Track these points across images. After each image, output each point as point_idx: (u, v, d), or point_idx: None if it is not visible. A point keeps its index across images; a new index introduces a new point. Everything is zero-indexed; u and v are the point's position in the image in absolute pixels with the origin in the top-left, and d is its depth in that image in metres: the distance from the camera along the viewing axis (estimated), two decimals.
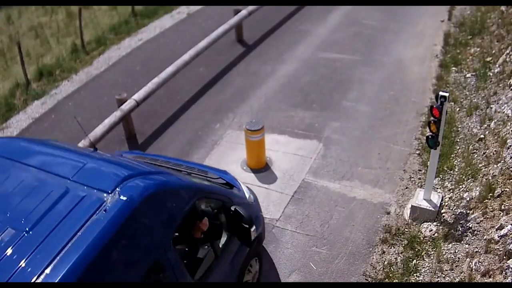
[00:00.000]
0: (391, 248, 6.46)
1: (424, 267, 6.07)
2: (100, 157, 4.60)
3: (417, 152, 8.01)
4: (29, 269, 3.39)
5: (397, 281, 5.97)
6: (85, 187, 3.93)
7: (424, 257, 6.20)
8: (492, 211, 6.00)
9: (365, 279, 6.12)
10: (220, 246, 5.22)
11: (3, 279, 3.36)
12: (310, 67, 10.56)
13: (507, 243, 5.32)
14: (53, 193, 3.91)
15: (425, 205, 6.68)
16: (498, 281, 5.15)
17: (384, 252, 6.42)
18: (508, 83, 8.10)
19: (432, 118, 6.06)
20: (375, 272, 6.18)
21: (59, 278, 3.32)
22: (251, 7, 11.73)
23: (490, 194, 6.18)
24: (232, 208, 4.97)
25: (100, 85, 10.48)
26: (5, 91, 10.48)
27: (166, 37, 12.29)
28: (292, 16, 12.84)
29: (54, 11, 14.54)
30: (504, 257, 5.27)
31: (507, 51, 8.86)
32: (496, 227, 5.66)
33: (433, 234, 6.43)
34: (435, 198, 6.78)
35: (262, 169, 7.89)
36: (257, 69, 10.66)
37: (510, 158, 6.31)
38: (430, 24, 11.89)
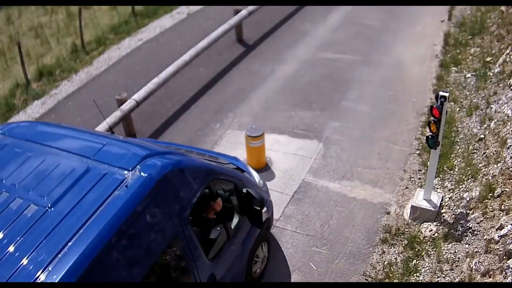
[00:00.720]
0: (391, 248, 6.46)
1: (424, 267, 6.07)
2: (118, 139, 4.73)
3: (417, 152, 8.00)
4: (52, 245, 3.48)
5: (397, 281, 5.97)
6: (106, 165, 4.08)
7: (424, 257, 6.20)
8: (492, 211, 6.00)
9: (365, 279, 6.12)
10: (232, 227, 5.35)
11: (25, 255, 3.45)
12: (310, 67, 10.56)
13: (507, 243, 5.32)
14: (75, 171, 4.04)
15: (425, 205, 6.68)
16: (498, 281, 5.15)
17: (384, 252, 6.42)
18: (508, 83, 8.10)
19: (432, 118, 6.06)
20: (375, 272, 6.18)
21: (82, 250, 3.43)
22: (251, 7, 11.73)
23: (490, 194, 6.18)
24: (244, 190, 5.15)
25: (100, 85, 10.48)
26: (5, 91, 10.49)
27: (166, 37, 12.29)
28: (292, 16, 12.84)
29: (54, 11, 14.53)
30: (504, 257, 5.27)
31: (507, 51, 8.86)
32: (496, 227, 5.66)
33: (433, 234, 6.43)
34: (435, 198, 6.78)
35: (262, 169, 7.89)
36: (257, 69, 10.66)
37: (510, 158, 6.31)
38: (430, 24, 11.89)
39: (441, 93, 5.90)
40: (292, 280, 6.17)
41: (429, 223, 6.60)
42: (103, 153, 4.25)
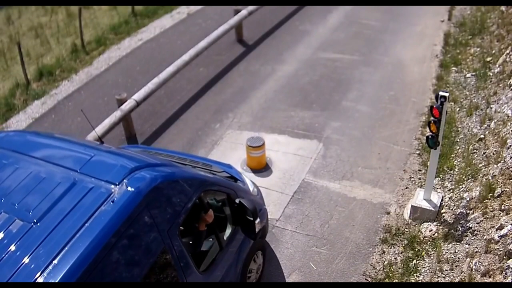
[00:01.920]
0: (391, 248, 6.46)
1: (424, 267, 6.07)
2: (107, 150, 4.64)
3: (417, 152, 8.00)
4: (37, 261, 3.43)
5: (397, 281, 5.97)
6: (93, 179, 3.99)
7: (424, 257, 6.20)
8: (492, 211, 6.00)
9: (365, 279, 6.12)
10: (225, 238, 5.26)
11: (10, 271, 3.40)
12: (310, 67, 10.56)
13: (507, 243, 5.32)
14: (61, 185, 3.97)
15: (425, 205, 6.68)
16: (498, 281, 5.14)
17: (384, 252, 6.42)
18: (508, 83, 8.10)
19: (432, 118, 6.06)
20: (375, 272, 6.18)
21: (67, 268, 3.37)
22: (251, 7, 11.73)
23: (490, 194, 6.17)
24: (237, 201, 5.02)
25: (100, 85, 10.48)
26: (5, 91, 10.49)
27: (166, 37, 12.29)
28: (292, 16, 12.83)
29: (54, 11, 14.53)
30: (504, 257, 5.26)
31: (507, 51, 8.86)
32: (496, 227, 5.65)
33: (433, 234, 6.43)
34: (435, 198, 6.78)
35: (262, 169, 7.90)
36: (257, 69, 10.66)
37: (510, 158, 6.30)
38: (430, 24, 11.89)
39: (441, 93, 5.90)
40: (292, 280, 6.17)
41: (429, 223, 6.60)
42: (90, 165, 4.17)
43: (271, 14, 12.75)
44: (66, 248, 3.49)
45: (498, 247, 5.46)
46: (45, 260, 3.43)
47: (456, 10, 12.25)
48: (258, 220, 5.00)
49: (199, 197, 4.71)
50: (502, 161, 6.46)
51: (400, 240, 6.54)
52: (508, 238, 5.36)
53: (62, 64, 11.29)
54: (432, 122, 6.06)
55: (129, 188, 3.91)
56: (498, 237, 5.50)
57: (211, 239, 5.18)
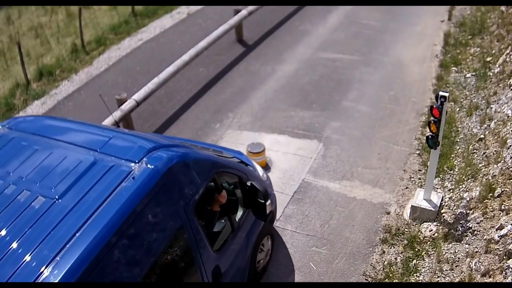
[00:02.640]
0: (391, 248, 6.46)
1: (424, 267, 6.07)
2: (124, 132, 4.80)
3: (417, 152, 8.01)
4: (60, 236, 3.52)
5: (397, 281, 5.97)
6: (113, 158, 4.13)
7: (424, 257, 6.20)
8: (492, 211, 6.00)
9: (365, 279, 6.12)
10: (236, 220, 5.41)
11: (34, 245, 3.48)
12: (310, 67, 10.56)
13: (507, 243, 5.32)
14: (81, 164, 4.09)
15: (425, 205, 6.68)
16: (498, 281, 5.15)
17: (384, 252, 6.42)
18: (508, 83, 8.10)
19: (432, 118, 6.06)
20: (375, 272, 6.18)
21: (89, 241, 3.48)
22: (251, 7, 11.72)
23: (490, 194, 6.17)
24: (248, 183, 5.16)
25: (100, 85, 10.48)
26: (5, 91, 10.49)
27: (166, 37, 12.29)
28: (292, 16, 12.83)
29: (54, 11, 14.53)
30: (504, 257, 5.27)
31: (507, 51, 8.86)
32: (496, 227, 5.66)
33: (433, 234, 6.43)
34: (435, 198, 6.78)
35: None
36: (257, 69, 10.66)
37: (510, 158, 6.30)
38: (430, 24, 11.89)
39: (441, 93, 5.90)
40: (292, 280, 6.17)
41: (429, 223, 6.60)
42: (109, 146, 4.30)
43: (271, 14, 12.75)
44: (89, 222, 3.60)
45: (498, 247, 5.46)
46: (68, 234, 3.52)
47: (456, 10, 12.25)
48: (268, 201, 5.16)
49: (213, 179, 4.87)
50: (502, 161, 6.46)
51: (400, 240, 6.54)
52: (508, 238, 5.36)
53: (62, 64, 11.29)
54: (432, 122, 6.06)
55: (148, 166, 4.05)
56: (498, 237, 5.50)
57: (223, 221, 5.30)
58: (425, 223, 6.63)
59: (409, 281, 5.95)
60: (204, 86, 10.22)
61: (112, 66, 11.19)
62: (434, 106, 5.95)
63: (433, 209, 6.63)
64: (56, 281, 3.27)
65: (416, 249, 6.34)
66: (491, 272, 5.32)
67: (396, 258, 6.30)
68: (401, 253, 6.37)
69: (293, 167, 7.91)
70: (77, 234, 3.52)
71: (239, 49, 11.47)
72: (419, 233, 6.52)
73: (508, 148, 6.52)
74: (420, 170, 7.64)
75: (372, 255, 6.41)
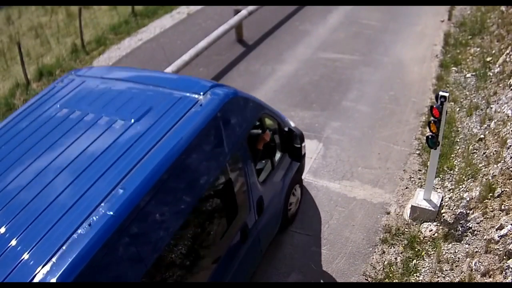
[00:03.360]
0: (391, 248, 6.46)
1: (424, 267, 6.07)
2: (185, 76, 5.73)
3: (417, 152, 8.00)
4: (140, 149, 4.10)
5: (397, 281, 5.97)
6: (181, 92, 4.83)
7: (424, 257, 6.20)
8: (492, 211, 6.00)
9: (365, 279, 6.12)
10: (276, 161, 6.06)
11: (114, 157, 4.02)
12: (310, 67, 10.56)
13: (507, 243, 5.32)
14: (152, 96, 4.75)
15: (425, 205, 6.68)
16: (498, 281, 5.14)
17: (384, 252, 6.42)
18: (508, 83, 8.10)
19: (432, 118, 6.06)
20: (375, 272, 6.18)
21: (170, 148, 4.13)
22: (251, 7, 11.73)
23: (490, 194, 6.17)
24: (286, 129, 5.90)
25: None
26: (5, 91, 10.48)
27: (166, 37, 12.29)
28: (292, 16, 12.84)
29: (54, 11, 14.54)
30: (504, 257, 5.26)
31: (507, 51, 8.86)
32: (496, 227, 5.65)
33: (433, 234, 6.43)
34: (435, 198, 6.78)
35: None
36: (257, 69, 10.66)
37: (510, 158, 6.31)
38: (430, 24, 11.89)
39: (441, 93, 5.90)
40: (292, 280, 6.17)
41: (429, 223, 6.60)
42: (176, 83, 5.06)
43: (271, 14, 12.75)
44: (165, 138, 4.22)
45: (498, 247, 5.46)
46: (149, 144, 4.14)
47: (456, 10, 12.25)
48: (304, 143, 5.96)
49: (259, 118, 5.60)
50: (502, 161, 6.46)
51: (400, 240, 6.54)
52: (508, 238, 5.36)
53: (62, 64, 11.29)
54: (432, 122, 6.06)
55: (213, 96, 4.78)
56: (498, 237, 5.50)
57: (264, 161, 5.90)
58: (425, 223, 6.63)
59: (409, 281, 5.95)
60: None
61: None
62: (434, 106, 5.95)
63: (433, 209, 6.63)
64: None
65: (416, 249, 6.33)
66: (491, 272, 5.32)
67: (396, 258, 6.30)
68: (401, 253, 6.36)
69: None
70: (160, 141, 4.17)
71: (239, 49, 11.47)
72: (419, 233, 6.52)
73: (508, 148, 6.52)
74: (420, 170, 7.64)
75: (372, 255, 6.41)
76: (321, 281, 6.14)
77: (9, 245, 3.37)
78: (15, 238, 3.40)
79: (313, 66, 10.59)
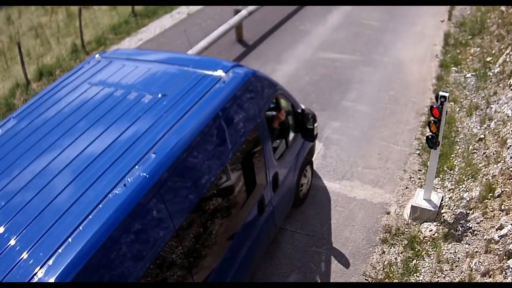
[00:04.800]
0: (391, 248, 6.46)
1: (424, 267, 6.07)
2: (208, 57, 5.89)
3: (417, 152, 8.00)
4: (170, 119, 4.39)
5: (397, 281, 5.97)
6: (204, 70, 5.12)
7: (424, 257, 6.20)
8: (492, 211, 6.00)
9: (365, 279, 6.12)
10: (289, 140, 6.35)
11: (148, 124, 4.31)
12: (310, 67, 10.56)
13: (507, 243, 5.32)
14: (177, 74, 5.07)
15: (425, 205, 6.68)
16: (498, 281, 5.15)
17: (384, 252, 6.42)
18: (508, 83, 8.10)
19: (432, 118, 6.06)
20: (375, 272, 6.18)
21: (202, 116, 4.47)
22: (251, 7, 11.73)
23: (490, 194, 6.18)
24: (299, 110, 6.27)
25: None
26: (5, 91, 10.48)
27: (166, 37, 12.29)
28: (292, 16, 12.84)
29: (54, 11, 14.54)
30: (504, 257, 5.27)
31: (507, 51, 8.86)
32: (496, 227, 5.66)
33: (433, 234, 6.43)
34: (435, 198, 6.78)
35: None
36: (257, 69, 10.56)
37: (510, 158, 6.31)
38: (430, 24, 11.90)
39: (441, 93, 5.90)
40: (292, 280, 6.17)
41: (429, 223, 6.60)
42: (200, 63, 5.33)
43: (271, 14, 12.75)
44: (193, 108, 4.52)
45: (498, 247, 5.46)
46: (179, 114, 4.43)
47: (456, 10, 12.26)
48: (316, 124, 6.25)
49: (276, 98, 5.89)
50: (502, 161, 6.46)
51: (400, 240, 6.54)
52: (508, 238, 5.36)
53: (62, 64, 11.29)
54: (432, 122, 6.06)
55: (234, 75, 5.11)
56: (498, 237, 5.50)
57: (278, 141, 6.15)
58: (425, 223, 6.63)
59: (409, 281, 5.95)
60: None
61: None
62: (434, 106, 5.95)
63: (433, 209, 6.63)
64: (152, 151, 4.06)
65: (416, 249, 6.33)
66: (491, 272, 5.32)
67: (396, 258, 6.30)
68: (401, 253, 6.36)
69: None
70: (185, 115, 4.42)
71: (239, 49, 11.47)
72: (419, 233, 6.52)
73: (508, 148, 6.52)
74: (420, 170, 7.64)
75: (372, 255, 6.41)
76: (321, 281, 6.14)
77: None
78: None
79: (313, 66, 10.60)
